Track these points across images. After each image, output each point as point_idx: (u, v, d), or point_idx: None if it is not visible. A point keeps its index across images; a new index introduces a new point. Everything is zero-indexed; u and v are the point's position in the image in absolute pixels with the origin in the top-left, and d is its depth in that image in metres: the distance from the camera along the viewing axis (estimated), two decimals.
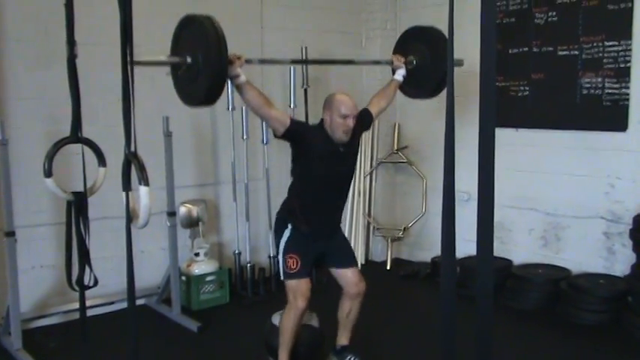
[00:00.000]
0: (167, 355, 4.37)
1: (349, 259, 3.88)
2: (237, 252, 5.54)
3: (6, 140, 4.05)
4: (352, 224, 6.29)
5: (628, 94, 4.74)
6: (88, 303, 3.70)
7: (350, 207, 6.18)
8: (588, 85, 4.94)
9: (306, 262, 3.63)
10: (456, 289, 1.98)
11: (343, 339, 3.91)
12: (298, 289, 3.56)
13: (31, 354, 4.15)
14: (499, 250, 5.54)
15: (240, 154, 5.46)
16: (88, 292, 3.57)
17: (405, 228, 6.35)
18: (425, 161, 6.20)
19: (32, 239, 4.62)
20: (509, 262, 5.54)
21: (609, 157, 4.93)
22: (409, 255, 6.50)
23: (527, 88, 5.33)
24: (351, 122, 3.55)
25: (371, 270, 6.26)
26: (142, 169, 2.62)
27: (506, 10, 5.41)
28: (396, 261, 6.40)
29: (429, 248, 6.23)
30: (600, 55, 4.85)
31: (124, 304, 3.49)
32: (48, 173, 3.32)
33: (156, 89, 5.02)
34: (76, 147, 3.41)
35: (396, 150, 6.36)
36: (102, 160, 3.48)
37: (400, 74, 4.18)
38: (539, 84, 5.25)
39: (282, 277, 3.66)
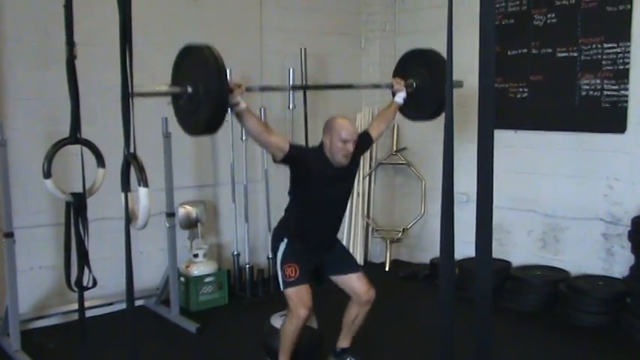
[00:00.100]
0: (166, 356, 4.37)
1: (350, 265, 3.88)
2: (236, 253, 5.53)
3: (5, 141, 4.05)
4: (351, 225, 6.29)
5: (627, 96, 4.75)
6: (86, 304, 3.70)
7: (349, 208, 6.18)
8: (587, 87, 4.95)
9: (305, 270, 3.63)
10: (455, 291, 1.98)
11: (344, 342, 3.92)
12: (298, 297, 3.54)
13: (30, 355, 4.15)
14: (498, 251, 5.54)
15: (239, 156, 5.46)
16: (86, 293, 3.56)
17: (404, 229, 6.36)
18: (424, 163, 6.21)
19: (31, 240, 4.62)
20: (507, 263, 5.54)
21: (608, 158, 4.93)
22: (408, 256, 6.50)
23: (526, 90, 5.33)
24: (351, 147, 3.58)
25: (370, 271, 6.23)
26: (141, 170, 2.61)
27: (505, 12, 5.41)
28: (394, 262, 6.40)
29: (427, 249, 6.23)
30: (599, 56, 4.86)
31: (123, 305, 3.48)
32: (47, 174, 3.31)
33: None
34: (75, 148, 3.40)
35: (395, 151, 6.37)
36: (101, 161, 3.47)
37: (400, 97, 4.20)
38: (538, 85, 5.26)
39: (282, 288, 3.63)
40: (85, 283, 3.48)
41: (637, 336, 4.42)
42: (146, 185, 2.63)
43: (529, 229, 5.50)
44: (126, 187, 2.66)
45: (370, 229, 6.49)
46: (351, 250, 6.17)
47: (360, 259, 6.29)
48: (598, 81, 4.88)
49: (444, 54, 1.92)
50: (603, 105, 4.87)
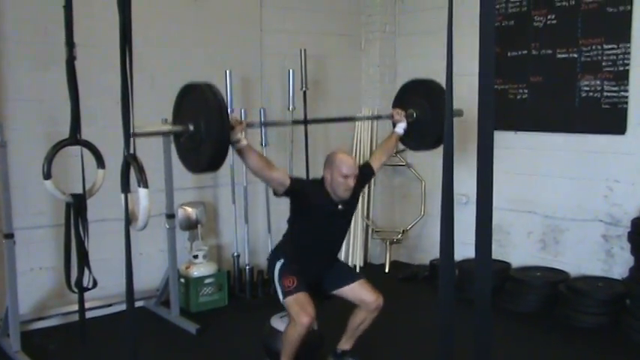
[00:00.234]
0: (166, 357, 4.37)
1: (350, 275, 3.89)
2: (235, 254, 5.53)
3: (5, 142, 4.05)
4: (351, 227, 6.27)
5: (627, 97, 4.75)
6: (86, 305, 3.70)
7: None
8: (587, 88, 4.95)
9: (304, 281, 3.63)
10: (455, 292, 1.98)
11: (346, 344, 3.92)
12: (299, 304, 3.53)
13: (30, 356, 4.14)
14: (497, 252, 5.54)
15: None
16: (86, 294, 3.57)
17: (403, 231, 6.35)
18: (424, 164, 6.20)
19: (31, 241, 4.61)
20: (507, 264, 5.54)
21: (608, 160, 4.93)
22: (408, 258, 6.50)
23: (525, 91, 5.33)
24: (351, 182, 3.61)
25: (369, 272, 6.25)
26: (141, 171, 2.62)
27: (505, 13, 5.42)
28: (394, 264, 6.39)
29: (427, 251, 6.23)
30: (599, 58, 4.86)
31: (123, 306, 3.47)
32: (47, 175, 3.31)
33: (155, 91, 5.04)
34: (75, 149, 3.41)
35: (395, 153, 6.35)
36: (101, 162, 3.47)
37: (401, 127, 4.21)
38: (538, 87, 5.26)
39: (282, 299, 3.63)
40: (85, 284, 3.48)
41: (636, 337, 4.42)
42: (146, 186, 2.63)
43: (529, 230, 5.50)
44: (126, 188, 2.66)
45: (370, 230, 6.49)
46: (350, 251, 6.18)
47: (359, 260, 6.29)
48: (598, 82, 4.88)
49: (445, 59, 1.92)
50: (603, 106, 4.87)
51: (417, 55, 6.26)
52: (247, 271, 5.49)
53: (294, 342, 3.54)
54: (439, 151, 1.98)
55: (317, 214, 3.67)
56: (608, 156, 4.93)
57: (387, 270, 6.27)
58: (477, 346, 1.87)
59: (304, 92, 5.55)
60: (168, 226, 4.86)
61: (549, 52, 5.16)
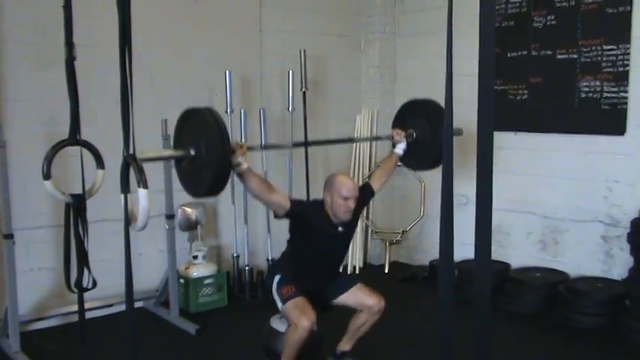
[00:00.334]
0: (165, 358, 4.37)
1: (346, 281, 3.89)
2: (235, 255, 5.53)
3: (4, 142, 4.05)
4: None
5: (626, 98, 4.75)
6: (86, 305, 3.70)
7: None
8: (587, 89, 4.95)
9: (302, 289, 3.63)
10: (454, 293, 1.97)
11: (346, 346, 3.91)
12: (298, 308, 3.53)
13: (30, 356, 4.14)
14: (497, 253, 5.54)
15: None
16: (86, 295, 3.57)
17: (403, 231, 6.35)
18: None
19: (31, 241, 4.62)
20: (507, 265, 5.54)
21: (607, 160, 4.93)
22: (407, 258, 6.50)
23: (525, 92, 5.34)
24: (352, 203, 3.62)
25: (369, 273, 6.27)
26: (140, 171, 2.61)
27: (505, 14, 5.42)
28: (394, 264, 6.40)
29: (427, 251, 6.23)
30: (599, 58, 4.86)
31: (123, 307, 3.48)
32: (47, 175, 3.31)
33: (155, 91, 5.04)
34: (75, 149, 3.41)
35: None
36: (100, 163, 3.47)
37: (401, 148, 4.22)
38: (538, 87, 5.26)
39: (280, 307, 3.63)
40: (84, 285, 3.48)
41: (635, 338, 4.42)
42: (146, 187, 2.63)
43: (528, 231, 5.50)
44: (125, 188, 2.66)
45: (370, 230, 6.49)
46: (350, 252, 6.17)
47: (359, 261, 6.30)
48: (598, 83, 4.88)
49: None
50: (603, 107, 4.87)
51: (416, 55, 6.26)
52: (247, 271, 5.49)
53: (295, 346, 3.52)
54: None
55: (317, 236, 3.68)
56: (608, 157, 4.93)
57: (386, 270, 6.27)
58: (476, 347, 1.87)
59: (304, 93, 5.55)
60: (167, 227, 4.86)
61: (549, 52, 5.16)
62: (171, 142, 3.35)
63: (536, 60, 5.24)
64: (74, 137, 3.32)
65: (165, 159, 3.43)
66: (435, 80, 5.54)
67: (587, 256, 5.11)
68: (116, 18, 2.49)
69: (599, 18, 4.83)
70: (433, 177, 5.94)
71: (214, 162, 3.05)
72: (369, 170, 6.36)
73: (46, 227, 4.67)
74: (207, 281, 5.18)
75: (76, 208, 3.36)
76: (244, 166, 3.32)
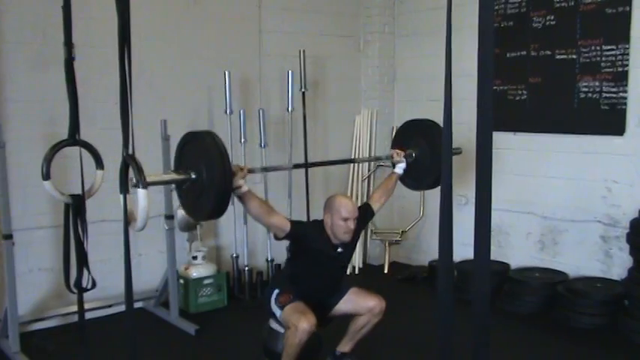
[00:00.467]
0: (165, 358, 4.37)
1: (345, 286, 3.87)
2: (235, 255, 5.53)
3: (4, 143, 4.05)
4: None
5: (625, 98, 4.75)
6: (86, 306, 3.69)
7: None
8: (586, 89, 4.95)
9: (299, 298, 3.63)
10: (454, 293, 1.98)
11: (346, 347, 3.91)
12: (297, 311, 3.52)
13: (29, 357, 4.15)
14: (496, 253, 5.55)
15: (239, 158, 5.45)
16: (86, 295, 3.56)
17: (402, 231, 6.35)
18: None
19: (30, 242, 4.62)
20: (506, 265, 5.54)
21: (606, 160, 4.94)
22: (407, 258, 6.50)
23: (524, 92, 5.34)
24: (352, 224, 3.63)
25: (368, 273, 6.27)
26: (139, 171, 2.61)
27: (504, 14, 5.42)
28: (393, 264, 6.40)
29: (426, 252, 6.24)
30: (598, 58, 4.87)
31: (122, 307, 3.48)
32: (46, 176, 3.31)
33: (154, 92, 5.04)
34: (74, 149, 3.40)
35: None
36: (100, 163, 3.47)
37: (400, 168, 4.21)
38: (537, 88, 5.26)
39: (279, 315, 3.62)
40: (84, 285, 3.48)
41: (635, 338, 4.42)
42: (145, 187, 2.63)
43: (527, 231, 5.50)
44: (124, 188, 2.66)
45: (369, 231, 6.49)
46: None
47: (358, 261, 6.30)
48: (597, 83, 4.88)
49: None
50: (602, 107, 4.87)
51: (416, 55, 6.27)
52: (246, 272, 5.50)
53: (296, 349, 3.49)
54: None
55: (317, 258, 3.69)
56: (607, 157, 4.93)
57: (386, 271, 6.27)
58: (475, 347, 1.87)
59: (303, 93, 5.55)
60: (167, 227, 4.86)
61: (548, 53, 5.16)
62: (172, 165, 3.35)
63: (535, 60, 5.24)
64: (73, 137, 3.31)
65: (166, 183, 3.46)
66: (434, 80, 5.55)
67: (586, 256, 5.11)
68: (115, 18, 2.49)
69: (598, 18, 4.83)
70: None
71: (215, 185, 3.05)
72: (367, 178, 6.38)
73: (46, 228, 4.66)
74: (206, 282, 5.18)
75: (76, 208, 3.35)
76: (245, 188, 3.33)
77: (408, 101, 6.37)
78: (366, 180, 6.41)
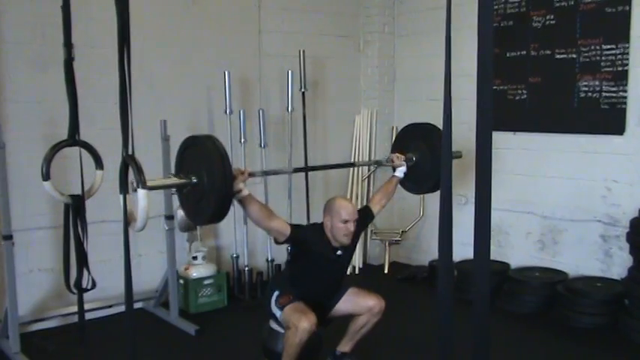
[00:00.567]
0: (165, 359, 4.37)
1: (339, 289, 3.87)
2: (235, 255, 5.53)
3: (3, 143, 4.05)
4: None
5: (625, 98, 4.75)
6: (86, 306, 3.70)
7: None
8: (586, 89, 4.95)
9: (299, 299, 3.63)
10: (454, 293, 1.98)
11: (346, 347, 3.91)
12: (297, 310, 3.52)
13: (29, 357, 4.15)
14: (496, 253, 5.55)
15: (238, 158, 5.45)
16: (86, 296, 3.57)
17: (402, 231, 6.35)
18: None
19: (30, 242, 4.62)
20: (506, 265, 5.54)
21: (606, 160, 4.94)
22: (407, 258, 6.50)
23: (524, 92, 5.34)
24: (352, 226, 3.63)
25: (368, 273, 6.27)
26: (139, 171, 2.61)
27: (504, 14, 5.42)
28: (393, 264, 6.40)
29: (426, 251, 6.24)
30: (598, 58, 4.86)
31: (122, 308, 3.48)
32: (46, 176, 3.31)
33: (154, 92, 5.04)
34: (74, 150, 3.40)
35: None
36: (99, 163, 3.47)
37: (401, 172, 4.19)
38: (537, 87, 5.26)
39: (279, 316, 3.62)
40: (84, 286, 3.48)
41: (635, 337, 4.42)
42: (145, 187, 2.63)
43: (527, 230, 5.50)
44: (124, 189, 2.66)
45: (369, 231, 6.49)
46: None
47: (358, 261, 6.30)
48: (597, 82, 4.88)
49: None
50: (602, 106, 4.87)
51: (415, 55, 6.27)
52: (246, 272, 5.49)
53: (296, 349, 3.49)
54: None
55: (317, 261, 3.69)
56: (607, 156, 4.93)
57: (386, 271, 6.27)
58: (475, 347, 1.87)
59: (303, 93, 5.55)
60: (167, 227, 4.86)
61: (548, 52, 5.16)
62: (172, 165, 3.35)
63: (535, 60, 5.24)
64: (73, 138, 3.32)
65: (168, 187, 3.46)
66: (434, 80, 5.55)
67: (586, 256, 5.11)
68: (115, 19, 2.49)
69: (598, 17, 4.83)
70: None
71: (216, 190, 3.05)
72: (367, 178, 6.38)
73: (46, 228, 4.66)
74: (206, 282, 5.18)
75: (76, 208, 3.35)
76: (245, 192, 3.32)
77: (408, 101, 6.37)
78: (366, 180, 6.40)
